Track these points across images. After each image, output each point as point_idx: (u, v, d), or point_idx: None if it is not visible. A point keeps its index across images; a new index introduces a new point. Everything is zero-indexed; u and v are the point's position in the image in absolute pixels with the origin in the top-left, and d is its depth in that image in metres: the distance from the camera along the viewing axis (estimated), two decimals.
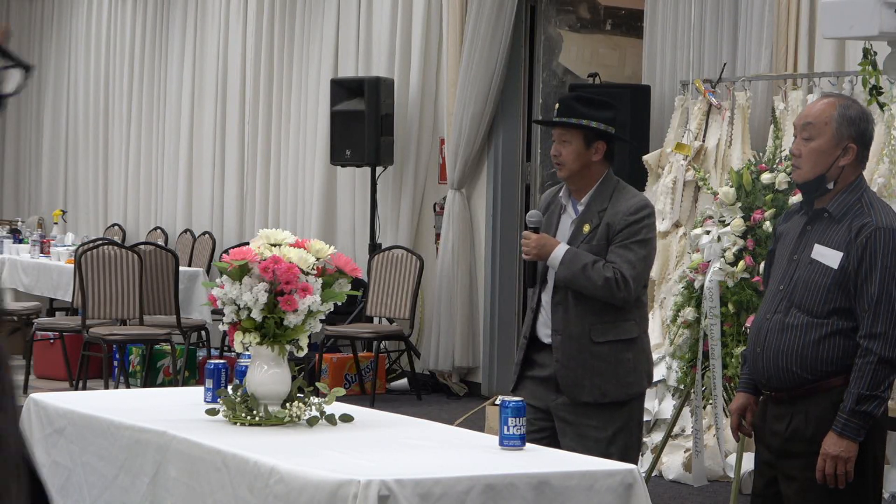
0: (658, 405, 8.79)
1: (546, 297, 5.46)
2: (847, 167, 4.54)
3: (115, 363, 11.30)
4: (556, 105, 5.53)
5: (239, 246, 6.68)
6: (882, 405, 4.46)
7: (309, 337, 4.82)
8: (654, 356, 8.95)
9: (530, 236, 5.37)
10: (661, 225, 9.13)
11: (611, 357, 5.35)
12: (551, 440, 5.27)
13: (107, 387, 10.47)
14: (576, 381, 5.33)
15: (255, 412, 4.70)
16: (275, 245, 4.78)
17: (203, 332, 11.40)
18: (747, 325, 6.89)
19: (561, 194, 5.52)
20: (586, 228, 5.39)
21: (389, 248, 11.63)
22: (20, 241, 13.83)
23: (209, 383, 5.09)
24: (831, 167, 4.52)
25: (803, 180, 4.57)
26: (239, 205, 13.93)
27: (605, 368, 5.34)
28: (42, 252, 13.06)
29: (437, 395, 11.55)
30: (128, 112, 15.51)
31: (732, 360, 7.09)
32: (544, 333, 5.45)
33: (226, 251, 5.93)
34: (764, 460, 4.72)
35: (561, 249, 5.33)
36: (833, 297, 4.48)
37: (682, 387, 7.57)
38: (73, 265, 11.14)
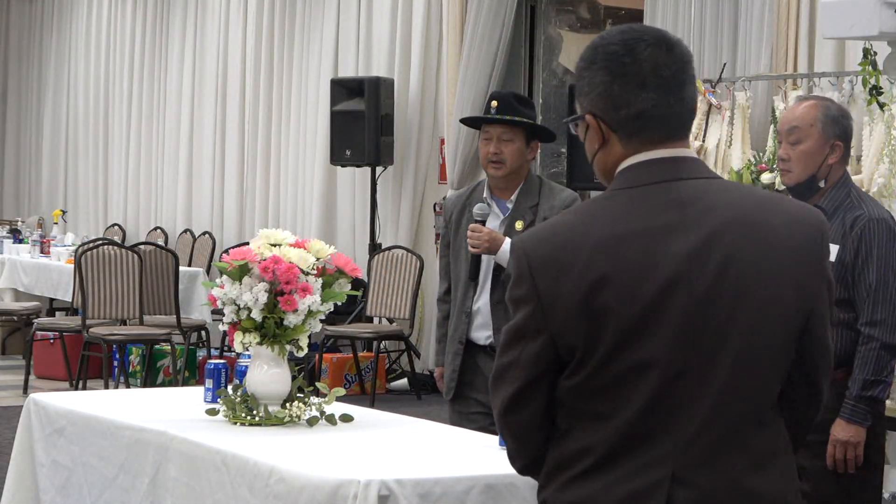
0: None
1: (483, 299, 5.46)
2: (834, 164, 4.69)
3: (115, 363, 11.30)
4: (494, 103, 5.49)
5: (239, 246, 6.68)
6: (886, 389, 4.61)
7: (309, 337, 4.82)
8: None
9: (481, 229, 5.37)
10: None
11: None
12: None
13: (107, 387, 10.47)
14: None
15: (255, 412, 4.70)
16: (275, 245, 4.78)
17: (203, 332, 11.40)
18: None
19: (485, 195, 5.52)
20: (519, 225, 5.41)
21: (389, 248, 11.62)
22: (20, 241, 13.83)
23: (209, 383, 5.09)
24: (821, 166, 4.67)
25: (795, 182, 4.73)
26: (239, 205, 13.93)
27: None
28: (42, 252, 13.06)
29: (437, 395, 11.47)
30: (128, 112, 15.52)
31: None
32: (483, 336, 5.46)
33: (226, 251, 5.93)
34: None
35: (508, 243, 5.35)
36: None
37: None
38: (73, 265, 11.15)
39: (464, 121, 6.04)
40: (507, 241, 5.36)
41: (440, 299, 5.72)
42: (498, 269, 5.43)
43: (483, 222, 5.40)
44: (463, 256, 5.53)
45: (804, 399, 2.74)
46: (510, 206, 5.47)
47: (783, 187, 7.15)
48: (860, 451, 4.58)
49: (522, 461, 2.75)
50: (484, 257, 5.42)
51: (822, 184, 4.69)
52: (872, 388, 4.56)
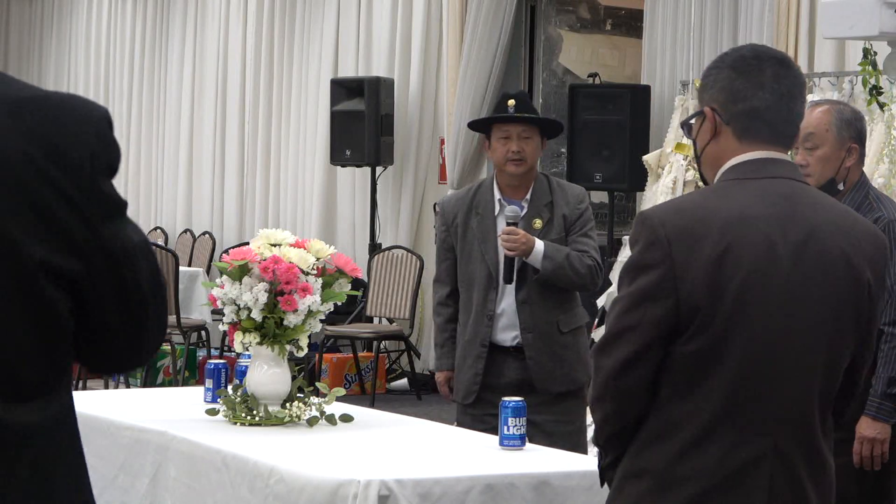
0: None
1: (507, 301, 5.46)
2: (852, 167, 4.79)
3: None
4: (511, 102, 5.52)
5: (239, 246, 6.67)
6: None
7: (309, 337, 4.82)
8: None
9: (517, 231, 5.36)
10: None
11: (574, 344, 5.49)
12: None
13: (107, 387, 10.47)
14: (549, 374, 5.40)
15: (255, 412, 4.70)
16: (275, 245, 4.78)
17: (203, 332, 11.40)
18: None
19: (496, 196, 5.51)
20: (537, 224, 5.42)
21: (389, 248, 11.62)
22: None
23: (209, 383, 5.08)
24: (839, 169, 4.77)
25: (815, 187, 4.73)
26: (239, 205, 13.93)
27: (572, 356, 5.46)
28: None
29: (437, 395, 11.45)
30: (128, 112, 15.51)
31: None
32: (509, 337, 5.46)
33: (226, 251, 5.93)
34: None
35: (540, 244, 5.36)
36: None
37: None
38: None
39: (475, 123, 6.01)
40: (539, 242, 5.36)
41: (442, 303, 5.68)
42: (523, 268, 5.42)
43: (516, 224, 5.39)
44: (477, 258, 5.51)
45: (843, 391, 3.03)
46: (525, 205, 5.48)
47: None
48: (886, 447, 4.69)
49: (616, 427, 2.94)
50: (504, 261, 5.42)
51: (841, 186, 4.78)
52: None
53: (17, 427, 1.84)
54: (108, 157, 1.89)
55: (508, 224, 5.38)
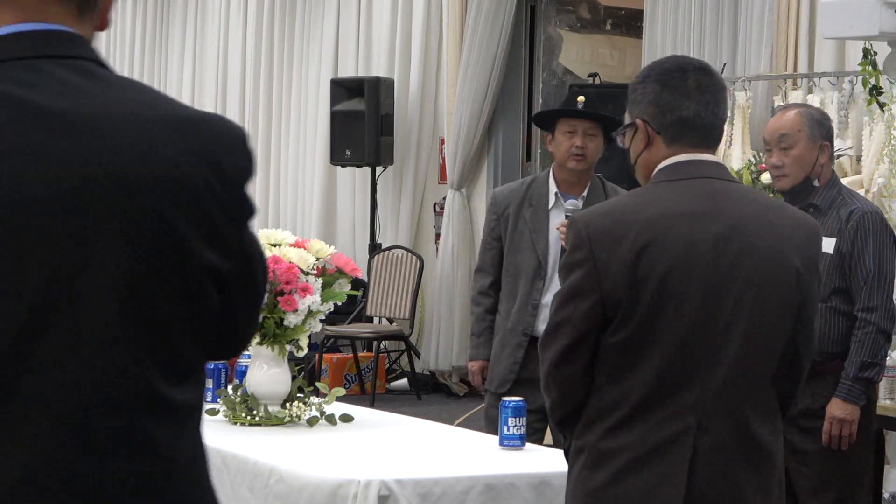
0: None
1: (553, 292, 5.46)
2: (825, 164, 5.03)
3: None
4: (581, 98, 5.59)
5: None
6: (881, 372, 5.01)
7: (309, 337, 4.82)
8: None
9: None
10: None
11: None
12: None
13: None
14: None
15: (255, 412, 4.70)
16: (275, 245, 4.79)
17: None
18: None
19: (551, 191, 5.54)
20: None
21: (389, 248, 11.63)
22: None
23: (209, 383, 5.09)
24: (814, 167, 5.00)
25: (791, 186, 5.03)
26: None
27: None
28: None
29: (437, 395, 11.55)
30: None
31: None
32: None
33: None
34: None
35: None
36: (831, 278, 4.94)
37: None
38: None
39: (542, 115, 6.07)
40: None
41: (483, 292, 5.68)
42: None
43: None
44: (527, 248, 5.53)
45: (787, 374, 3.24)
46: (581, 201, 5.50)
47: None
48: (854, 429, 4.89)
49: (563, 412, 3.22)
50: (560, 252, 5.42)
51: (816, 183, 5.01)
52: (869, 369, 4.89)
53: (179, 403, 2.06)
54: (250, 168, 2.14)
55: (568, 217, 5.40)
